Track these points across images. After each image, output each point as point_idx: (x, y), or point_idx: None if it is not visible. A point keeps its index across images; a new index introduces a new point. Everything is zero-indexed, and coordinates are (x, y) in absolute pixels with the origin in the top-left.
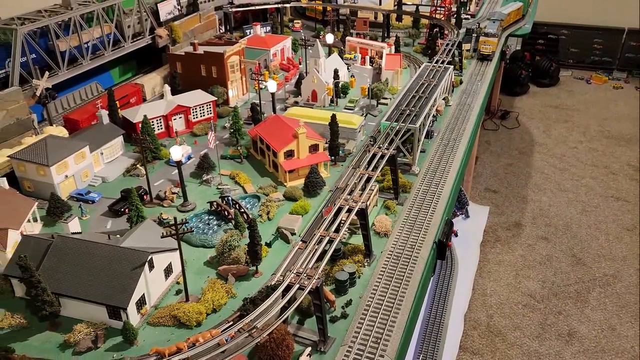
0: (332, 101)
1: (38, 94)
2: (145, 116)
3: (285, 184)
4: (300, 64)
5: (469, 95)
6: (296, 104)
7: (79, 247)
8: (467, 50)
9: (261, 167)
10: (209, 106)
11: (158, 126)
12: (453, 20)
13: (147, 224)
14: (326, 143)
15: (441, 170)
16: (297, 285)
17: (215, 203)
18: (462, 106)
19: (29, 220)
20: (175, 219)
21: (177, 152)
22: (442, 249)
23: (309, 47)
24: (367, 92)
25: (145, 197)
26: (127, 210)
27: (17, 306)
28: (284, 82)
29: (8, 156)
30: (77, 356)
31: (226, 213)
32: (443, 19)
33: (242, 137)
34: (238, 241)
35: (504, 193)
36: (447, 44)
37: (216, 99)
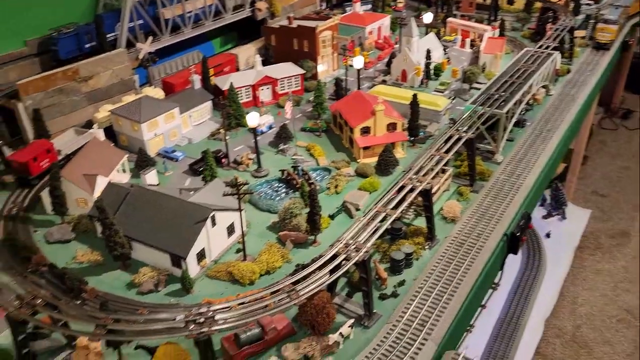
0: (422, 82)
1: (141, 57)
2: (231, 84)
3: (358, 160)
4: (396, 43)
5: (574, 86)
6: (384, 82)
7: (151, 198)
8: (582, 38)
9: (338, 142)
10: (296, 79)
11: (246, 95)
12: (571, 5)
13: (216, 183)
14: (406, 123)
15: (527, 161)
16: (344, 256)
17: (285, 171)
18: (564, 97)
19: (118, 171)
20: (236, 178)
21: (253, 119)
22: (514, 243)
23: (404, 26)
24: (459, 75)
25: (223, 160)
26: (198, 169)
27: (98, 245)
28: (376, 61)
29: (109, 111)
30: (139, 296)
31: (294, 182)
32: (559, 2)
33: (323, 112)
34: (300, 209)
35: (614, 198)
36: (557, 29)
37: (304, 72)
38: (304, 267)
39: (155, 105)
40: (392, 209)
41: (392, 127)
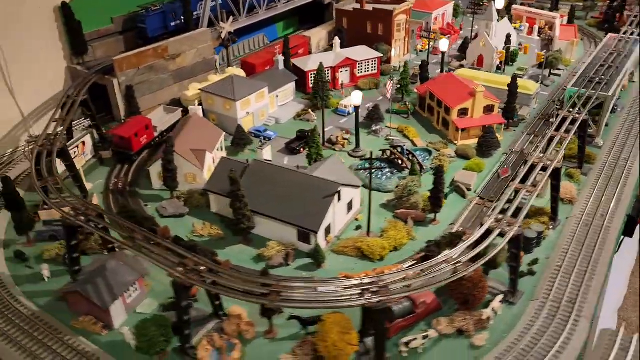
0: (498, 67)
1: (223, 36)
2: (321, 64)
3: (455, 141)
4: (461, 29)
5: None
6: (461, 67)
7: (273, 172)
8: None
9: (427, 124)
10: (374, 62)
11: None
12: None
13: (333, 160)
14: (502, 105)
15: (630, 145)
16: (499, 231)
17: (388, 151)
18: None
19: (218, 149)
20: (371, 153)
21: (357, 97)
22: (631, 226)
23: (481, 10)
24: (543, 60)
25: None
26: (302, 149)
27: (212, 219)
28: (428, 46)
29: (200, 89)
30: (269, 269)
31: (400, 162)
32: None
33: (407, 94)
34: (418, 187)
35: None
36: (636, 16)
37: (382, 55)
38: (438, 244)
39: (246, 83)
40: (531, 186)
41: (488, 109)
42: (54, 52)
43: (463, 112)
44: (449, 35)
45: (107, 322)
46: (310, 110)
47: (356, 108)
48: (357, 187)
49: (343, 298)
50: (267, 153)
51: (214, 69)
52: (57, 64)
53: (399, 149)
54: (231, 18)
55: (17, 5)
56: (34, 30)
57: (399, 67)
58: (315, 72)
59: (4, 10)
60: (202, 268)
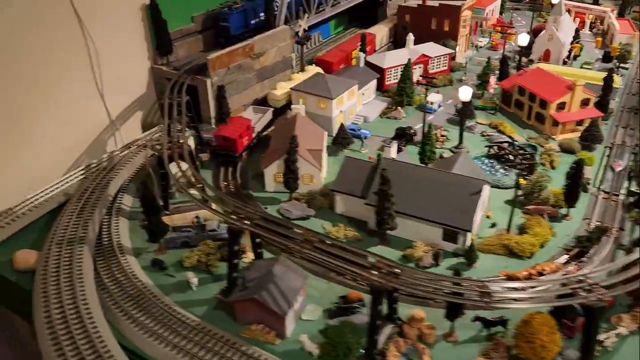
0: (564, 62)
1: (300, 33)
2: (409, 59)
3: (553, 136)
4: (511, 25)
5: None
6: (531, 62)
7: (407, 170)
8: None
9: (516, 119)
10: (445, 58)
11: (398, 74)
12: None
13: (465, 156)
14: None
15: None
16: None
17: (495, 147)
18: None
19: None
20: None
21: (466, 93)
22: None
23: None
24: (618, 53)
25: (414, 138)
26: (403, 147)
27: (338, 221)
28: (504, 42)
29: (291, 88)
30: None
31: (511, 157)
32: None
33: (486, 89)
34: (548, 182)
35: None
36: None
37: (453, 51)
38: (588, 239)
39: (337, 81)
40: None
41: (584, 103)
42: (140, 53)
43: (561, 106)
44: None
45: (280, 331)
46: (399, 108)
47: (464, 104)
48: (489, 184)
49: (557, 296)
50: (393, 151)
51: (291, 68)
52: (142, 65)
53: (510, 145)
54: (306, 15)
55: (104, 5)
56: (121, 30)
57: (465, 63)
58: (392, 69)
59: (92, 11)
60: (397, 270)
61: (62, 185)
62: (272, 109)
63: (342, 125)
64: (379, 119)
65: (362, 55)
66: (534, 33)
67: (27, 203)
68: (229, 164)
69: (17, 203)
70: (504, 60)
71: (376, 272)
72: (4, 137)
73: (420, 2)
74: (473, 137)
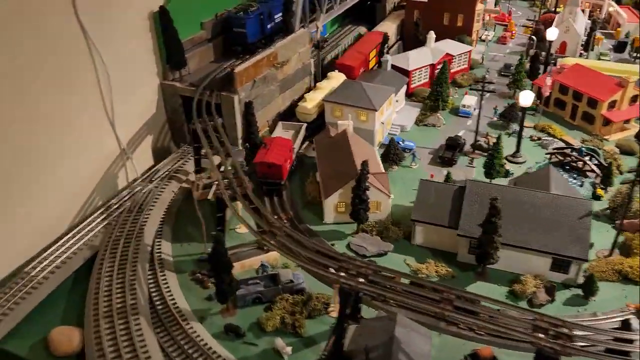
0: (580, 54)
1: (318, 37)
2: (447, 59)
3: (605, 137)
4: (511, 16)
5: None
6: (551, 55)
7: (502, 194)
8: None
9: (556, 119)
10: (465, 56)
11: (423, 75)
12: None
13: (554, 171)
14: None
15: None
16: None
17: (559, 155)
18: None
19: None
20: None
21: (527, 97)
22: None
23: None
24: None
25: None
26: (455, 159)
27: (419, 254)
28: (509, 35)
29: (324, 99)
30: (535, 308)
31: (581, 165)
32: None
33: (520, 89)
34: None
35: None
36: None
37: (472, 48)
38: None
39: (375, 90)
40: None
41: (633, 100)
42: (147, 67)
43: (611, 105)
44: (505, 23)
45: None
46: (438, 114)
47: (523, 109)
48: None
49: None
50: (470, 171)
51: (309, 76)
52: (151, 82)
53: (574, 151)
54: (322, 16)
55: (111, 15)
56: (127, 43)
57: (482, 59)
58: (417, 71)
59: (100, 26)
60: (565, 330)
61: (83, 235)
62: (305, 124)
63: (392, 140)
64: (415, 127)
65: (389, 57)
66: (542, 24)
67: (44, 262)
68: (272, 193)
69: (29, 259)
70: (535, 58)
71: (542, 335)
72: (5, 184)
73: None
74: (525, 143)
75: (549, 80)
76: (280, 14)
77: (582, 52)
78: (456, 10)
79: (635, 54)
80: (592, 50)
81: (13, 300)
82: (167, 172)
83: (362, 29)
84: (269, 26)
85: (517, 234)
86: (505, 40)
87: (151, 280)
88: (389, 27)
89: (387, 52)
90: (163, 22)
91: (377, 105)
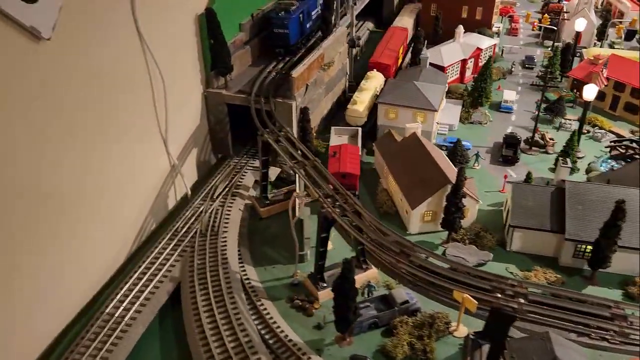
0: (594, 44)
1: (354, 34)
2: (490, 57)
3: None
4: (515, 5)
5: None
6: (568, 45)
7: (601, 194)
8: None
9: (596, 110)
10: (491, 50)
11: (455, 71)
12: None
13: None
14: None
15: None
16: None
17: (619, 147)
18: None
19: None
20: None
21: (591, 91)
22: None
23: None
24: None
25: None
26: (516, 157)
27: (515, 261)
28: (519, 26)
29: (378, 102)
30: None
31: None
32: None
33: (554, 81)
34: None
35: None
36: None
37: (497, 41)
38: None
39: (428, 89)
40: None
41: None
42: (195, 76)
43: None
44: (510, 15)
45: None
46: (486, 112)
47: (587, 103)
48: None
49: None
50: (565, 171)
51: (346, 75)
52: (196, 90)
53: (633, 142)
54: (351, 9)
55: (163, 22)
56: (176, 48)
57: (502, 52)
58: (451, 67)
59: (155, 34)
60: None
61: (158, 265)
62: (360, 128)
63: (458, 141)
64: (461, 125)
65: (428, 54)
66: (550, 13)
67: (124, 299)
68: None
69: (96, 294)
70: (566, 49)
71: None
72: (57, 216)
73: None
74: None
75: (604, 72)
76: (316, 11)
77: (595, 41)
78: (475, 3)
79: None
80: (606, 39)
81: (105, 347)
82: (226, 188)
83: (369, 24)
84: (307, 25)
85: (624, 234)
86: (515, 32)
87: (252, 312)
88: (407, 22)
89: (422, 49)
90: (210, 25)
91: (435, 104)
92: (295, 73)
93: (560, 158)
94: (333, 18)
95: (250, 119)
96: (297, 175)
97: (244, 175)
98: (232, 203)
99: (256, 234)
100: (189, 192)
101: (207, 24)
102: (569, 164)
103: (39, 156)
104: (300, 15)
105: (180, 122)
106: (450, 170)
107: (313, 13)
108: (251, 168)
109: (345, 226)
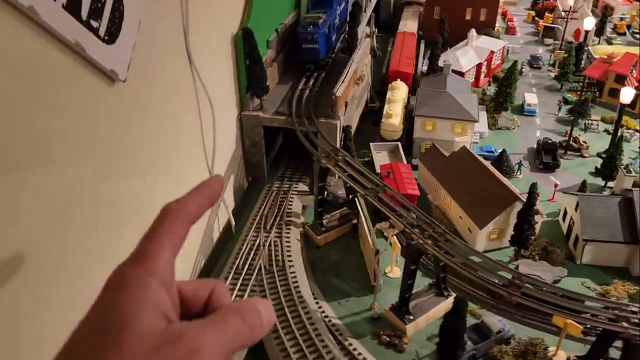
0: (592, 41)
1: (375, 44)
2: (515, 61)
3: None
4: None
5: None
6: (570, 43)
7: None
8: None
9: (613, 109)
10: (500, 52)
11: (471, 76)
12: None
13: None
14: None
15: None
16: None
17: None
18: None
19: None
20: None
21: (629, 93)
22: None
23: None
24: None
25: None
26: (557, 163)
27: (587, 274)
28: (515, 25)
29: (415, 114)
30: None
31: None
32: None
33: (569, 81)
34: None
35: None
36: None
37: (506, 43)
38: None
39: (464, 99)
40: None
41: None
42: (232, 99)
43: None
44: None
45: None
46: (514, 117)
47: (622, 106)
48: None
49: None
50: (629, 180)
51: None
52: (232, 113)
53: None
54: (364, 15)
55: (203, 43)
56: (218, 75)
57: (507, 52)
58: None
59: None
60: None
61: None
62: (399, 143)
63: (504, 151)
64: (490, 131)
65: (450, 61)
66: (543, 11)
67: None
68: None
69: None
70: (579, 48)
71: None
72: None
73: None
74: (599, 137)
75: (634, 73)
76: (338, 22)
77: (593, 38)
78: (479, 4)
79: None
80: (603, 36)
81: None
82: (275, 217)
83: (366, 28)
84: (333, 38)
85: None
86: (513, 31)
87: (344, 353)
88: (412, 26)
89: (440, 56)
90: (247, 45)
91: (474, 114)
92: (338, 91)
93: (621, 166)
94: (361, 28)
95: (286, 141)
96: (357, 203)
97: (291, 202)
98: (288, 233)
99: (316, 265)
100: (234, 223)
101: (243, 44)
102: (633, 173)
103: (101, 195)
104: (328, 29)
105: (220, 149)
106: (509, 184)
107: (336, 24)
108: (296, 193)
109: (450, 263)
